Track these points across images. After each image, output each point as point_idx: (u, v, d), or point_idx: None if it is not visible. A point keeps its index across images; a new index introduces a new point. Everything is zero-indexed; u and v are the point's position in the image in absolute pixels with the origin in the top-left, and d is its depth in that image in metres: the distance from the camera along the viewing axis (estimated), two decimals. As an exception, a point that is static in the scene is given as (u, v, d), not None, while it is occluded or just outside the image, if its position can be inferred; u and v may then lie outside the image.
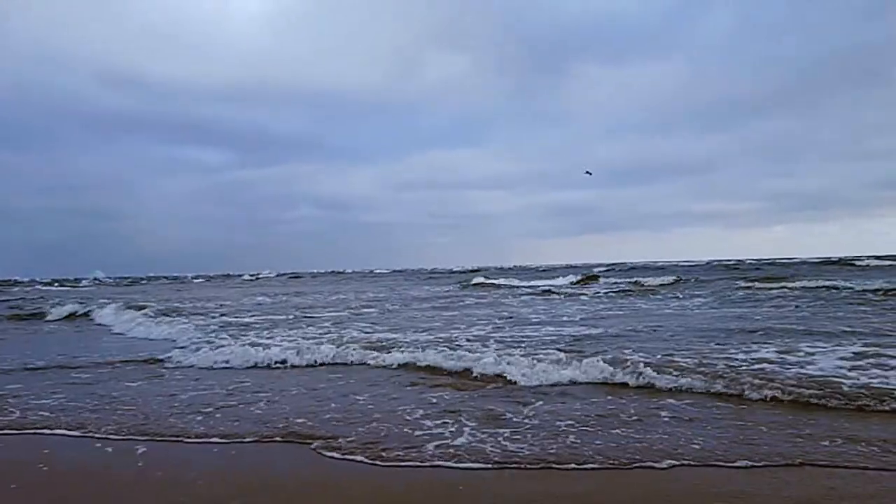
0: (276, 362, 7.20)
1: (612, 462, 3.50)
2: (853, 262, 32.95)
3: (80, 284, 43.73)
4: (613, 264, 57.28)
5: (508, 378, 5.78)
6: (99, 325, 13.46)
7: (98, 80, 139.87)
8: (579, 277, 24.05)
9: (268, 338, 9.06)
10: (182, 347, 8.47)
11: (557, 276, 26.40)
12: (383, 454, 3.74)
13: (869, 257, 40.59)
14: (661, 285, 19.02)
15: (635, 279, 20.58)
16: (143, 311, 13.89)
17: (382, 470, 3.54)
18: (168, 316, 13.37)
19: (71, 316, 15.29)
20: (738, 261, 52.79)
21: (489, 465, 3.53)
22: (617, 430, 4.13)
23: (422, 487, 3.27)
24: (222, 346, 8.09)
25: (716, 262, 50.04)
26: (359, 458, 3.71)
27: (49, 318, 15.22)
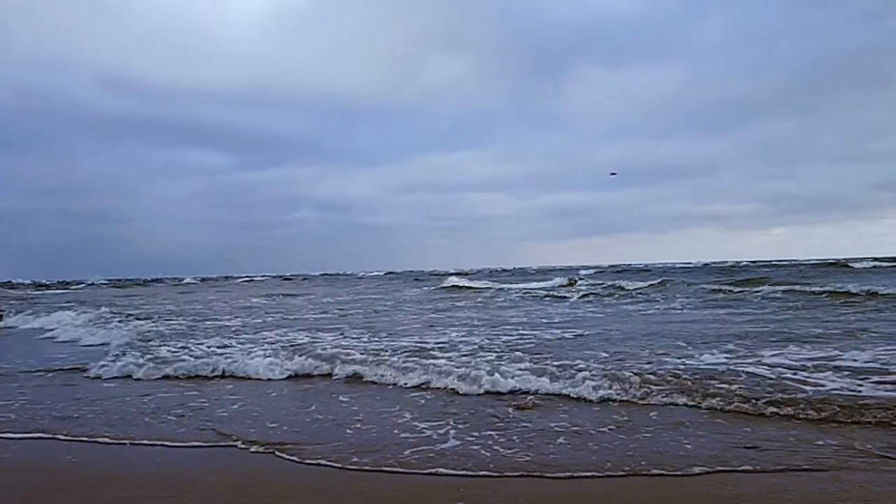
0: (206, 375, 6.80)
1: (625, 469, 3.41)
2: (848, 264, 32.76)
3: (74, 287, 43.81)
4: (611, 266, 57.16)
5: (457, 390, 5.59)
6: (42, 330, 12.97)
7: (98, 83, 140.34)
8: (566, 280, 23.98)
9: (218, 346, 8.98)
10: (104, 355, 8.01)
11: (548, 279, 26.35)
12: (355, 459, 3.70)
13: (865, 259, 40.40)
14: (642, 288, 18.93)
15: (618, 282, 20.48)
16: (93, 315, 13.71)
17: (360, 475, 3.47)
18: (140, 320, 13.35)
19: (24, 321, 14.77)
20: (735, 262, 52.68)
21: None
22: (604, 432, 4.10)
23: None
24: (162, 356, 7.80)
25: (713, 264, 49.87)
26: (335, 464, 3.65)
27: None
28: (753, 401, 4.64)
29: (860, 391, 4.83)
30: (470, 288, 22.92)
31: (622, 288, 18.90)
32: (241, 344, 8.71)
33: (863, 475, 3.18)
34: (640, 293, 18.00)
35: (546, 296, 18.23)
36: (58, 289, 42.72)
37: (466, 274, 39.38)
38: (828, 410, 4.35)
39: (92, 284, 50.45)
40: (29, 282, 58.66)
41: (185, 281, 54.94)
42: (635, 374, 5.49)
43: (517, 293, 19.51)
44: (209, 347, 8.46)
